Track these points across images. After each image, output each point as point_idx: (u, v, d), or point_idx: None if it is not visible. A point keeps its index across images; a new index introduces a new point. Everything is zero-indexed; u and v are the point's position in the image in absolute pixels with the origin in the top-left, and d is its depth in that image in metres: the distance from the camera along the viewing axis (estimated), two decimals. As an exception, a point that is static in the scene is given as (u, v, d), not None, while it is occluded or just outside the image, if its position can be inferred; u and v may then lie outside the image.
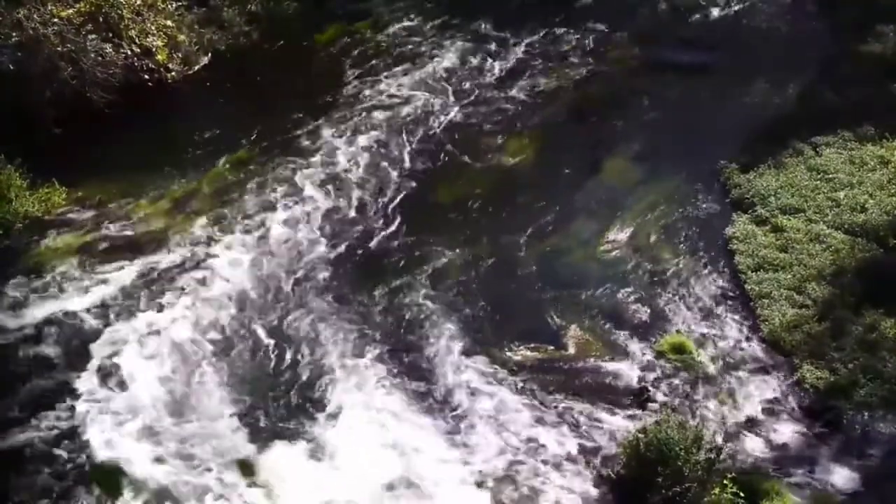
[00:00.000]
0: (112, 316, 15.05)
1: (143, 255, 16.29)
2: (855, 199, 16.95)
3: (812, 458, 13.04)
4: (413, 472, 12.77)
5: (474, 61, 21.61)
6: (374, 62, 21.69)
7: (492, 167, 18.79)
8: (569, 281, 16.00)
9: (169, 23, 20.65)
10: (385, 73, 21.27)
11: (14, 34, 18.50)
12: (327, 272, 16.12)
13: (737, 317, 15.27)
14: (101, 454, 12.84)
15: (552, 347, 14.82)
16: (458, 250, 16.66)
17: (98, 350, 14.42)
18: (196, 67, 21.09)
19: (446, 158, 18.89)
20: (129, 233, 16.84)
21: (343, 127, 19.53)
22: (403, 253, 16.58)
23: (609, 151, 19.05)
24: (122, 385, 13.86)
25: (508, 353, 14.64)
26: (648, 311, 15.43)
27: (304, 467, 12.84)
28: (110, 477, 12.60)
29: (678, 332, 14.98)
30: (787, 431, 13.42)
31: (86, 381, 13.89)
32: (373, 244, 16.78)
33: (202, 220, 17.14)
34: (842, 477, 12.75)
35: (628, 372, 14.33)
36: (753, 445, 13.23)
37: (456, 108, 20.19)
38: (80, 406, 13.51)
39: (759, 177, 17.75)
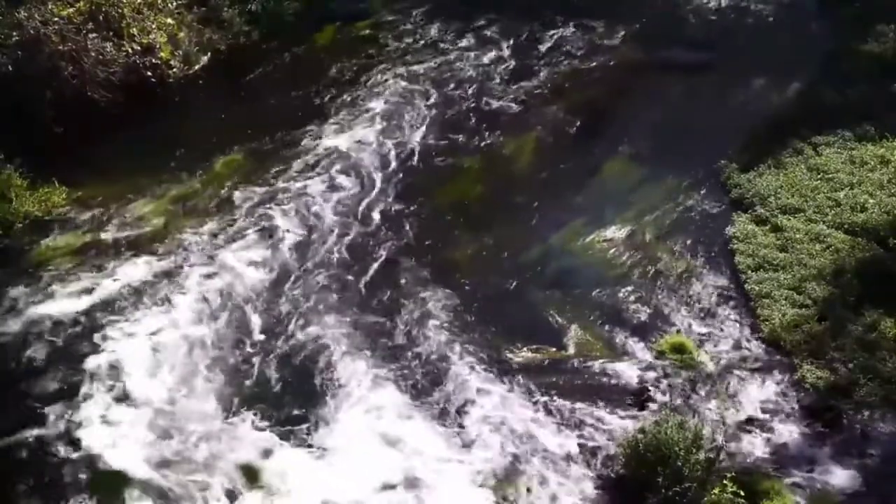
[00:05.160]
0: (112, 316, 15.04)
1: (143, 255, 16.30)
2: (855, 199, 16.93)
3: (812, 458, 13.01)
4: (413, 472, 12.76)
5: (474, 61, 21.63)
6: (373, 62, 21.73)
7: (492, 167, 18.79)
8: (569, 281, 16.00)
9: (170, 20, 20.66)
10: (385, 73, 21.29)
11: (14, 34, 18.52)
12: (328, 273, 16.12)
13: (737, 317, 15.25)
14: (101, 455, 12.82)
15: (553, 348, 14.82)
16: (457, 251, 16.68)
17: (98, 350, 14.40)
18: (196, 67, 21.10)
19: (446, 158, 18.90)
20: (129, 233, 16.85)
21: (343, 127, 19.55)
22: (404, 254, 16.58)
23: (609, 151, 19.06)
24: (122, 386, 13.84)
25: (509, 354, 14.63)
26: (648, 311, 15.43)
27: (304, 468, 12.82)
28: (110, 479, 12.58)
29: (678, 332, 14.98)
30: (787, 431, 13.40)
31: (86, 382, 13.88)
32: (373, 245, 16.77)
33: (202, 220, 17.16)
34: (842, 477, 12.73)
35: (628, 372, 14.31)
36: (753, 445, 13.21)
37: (456, 108, 20.20)
38: (80, 406, 13.50)
39: (759, 176, 17.75)
